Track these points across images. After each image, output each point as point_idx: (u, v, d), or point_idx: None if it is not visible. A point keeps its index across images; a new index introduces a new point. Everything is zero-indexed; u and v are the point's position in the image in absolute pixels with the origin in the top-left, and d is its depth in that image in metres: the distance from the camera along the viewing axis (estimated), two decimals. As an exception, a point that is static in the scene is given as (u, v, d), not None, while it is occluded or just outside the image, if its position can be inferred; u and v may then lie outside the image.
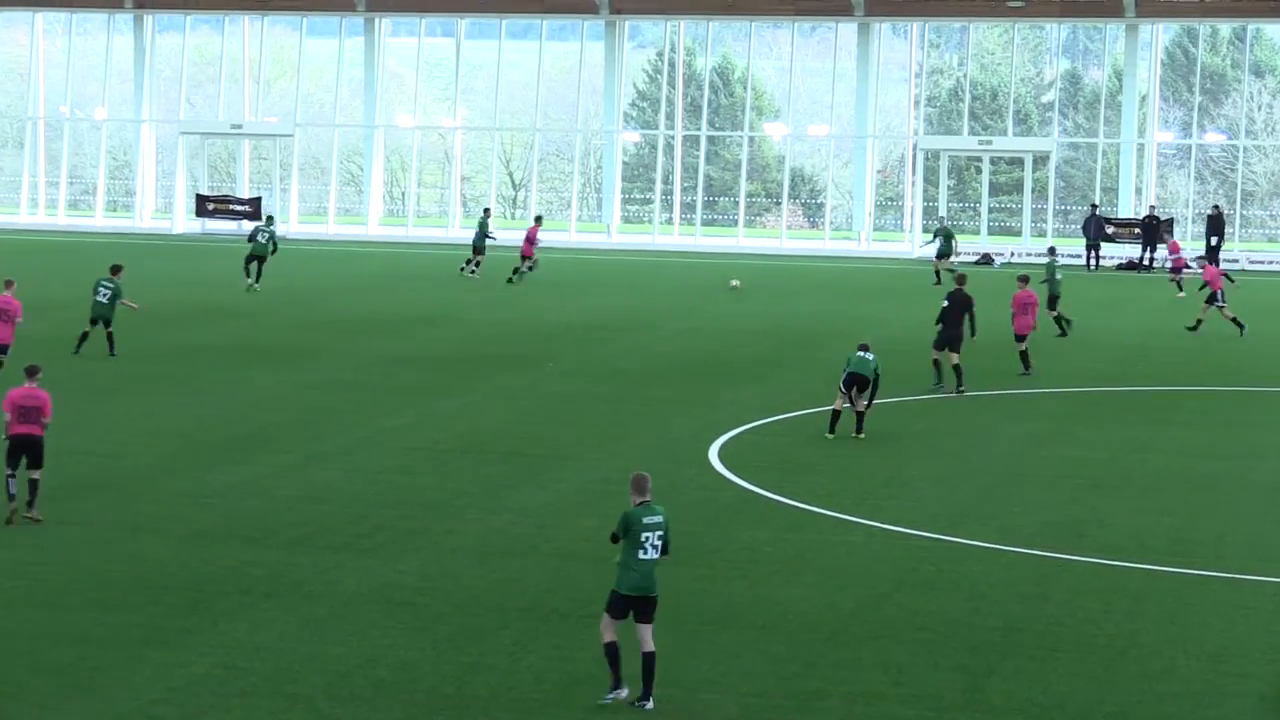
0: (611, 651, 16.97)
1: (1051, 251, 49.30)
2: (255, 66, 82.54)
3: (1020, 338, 39.08)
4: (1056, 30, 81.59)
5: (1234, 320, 46.29)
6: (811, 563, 22.70)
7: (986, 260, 69.19)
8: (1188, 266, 58.75)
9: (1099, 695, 17.70)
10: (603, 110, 79.95)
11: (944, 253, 60.38)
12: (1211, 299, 46.68)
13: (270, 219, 59.15)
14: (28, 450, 23.52)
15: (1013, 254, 70.25)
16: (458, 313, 49.19)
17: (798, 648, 18.95)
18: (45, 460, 23.74)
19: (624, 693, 16.95)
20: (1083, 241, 70.13)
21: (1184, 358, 43.04)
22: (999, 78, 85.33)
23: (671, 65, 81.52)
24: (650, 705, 16.86)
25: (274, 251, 53.72)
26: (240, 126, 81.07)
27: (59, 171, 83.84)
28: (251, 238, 54.51)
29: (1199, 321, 46.76)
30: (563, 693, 17.29)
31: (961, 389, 35.89)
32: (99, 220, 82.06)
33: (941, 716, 17.07)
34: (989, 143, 77.71)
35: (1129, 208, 73.27)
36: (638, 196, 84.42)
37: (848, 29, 77.30)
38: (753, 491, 26.85)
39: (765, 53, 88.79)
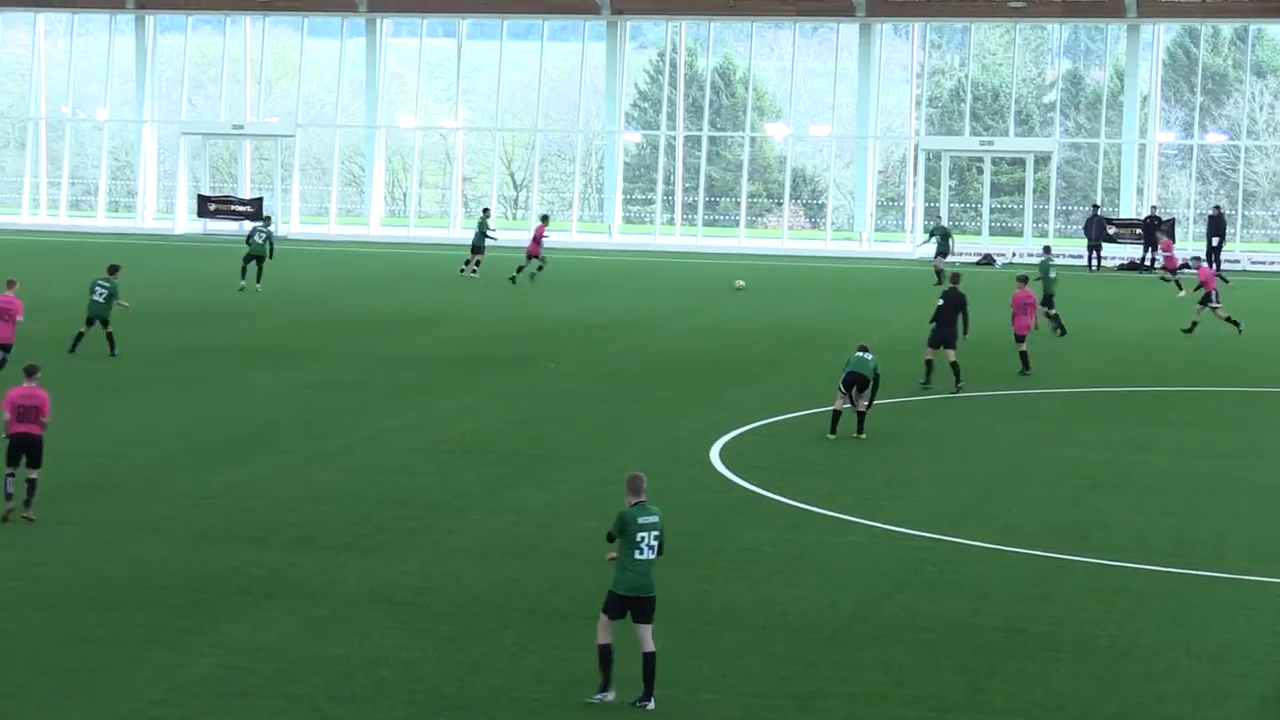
0: (604, 654, 16.97)
1: (1046, 251, 49.44)
2: (257, 67, 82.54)
3: (1020, 338, 39.10)
4: (1058, 31, 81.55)
5: (1228, 320, 46.29)
6: (812, 563, 22.69)
7: (988, 261, 69.19)
8: (1186, 266, 58.71)
9: (1101, 696, 17.69)
10: (604, 111, 79.94)
11: (942, 251, 60.43)
12: (1206, 300, 46.69)
13: (268, 219, 59.12)
14: (27, 450, 23.53)
15: (1014, 254, 70.20)
16: (459, 313, 49.19)
17: (799, 648, 18.94)
18: (45, 460, 23.75)
19: (610, 696, 16.96)
20: (1084, 242, 70.13)
21: (1185, 358, 43.02)
22: (1000, 78, 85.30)
23: (673, 66, 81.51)
24: (652, 705, 16.85)
25: (270, 254, 53.63)
26: (242, 127, 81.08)
27: (60, 172, 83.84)
28: (248, 238, 54.47)
29: (1194, 324, 46.76)
30: (564, 693, 17.28)
31: (960, 385, 35.94)
32: (100, 221, 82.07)
33: (943, 717, 17.06)
34: (990, 143, 77.67)
35: (1130, 208, 73.24)
36: (639, 197, 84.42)
37: (849, 29, 77.26)
38: (754, 492, 26.84)
39: (767, 53, 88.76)
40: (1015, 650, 19.11)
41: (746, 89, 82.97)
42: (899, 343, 40.48)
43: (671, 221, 79.41)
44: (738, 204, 79.72)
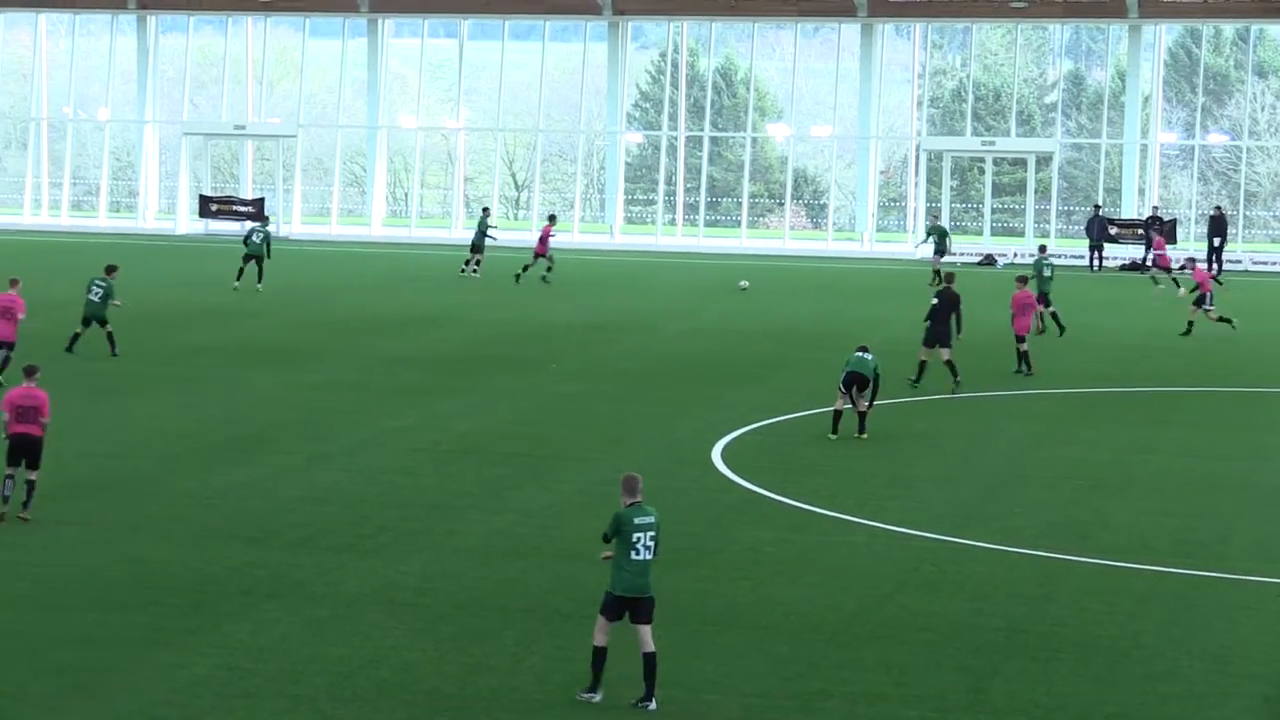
0: (598, 655, 16.99)
1: (1041, 250, 49.53)
2: (258, 67, 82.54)
3: (1020, 338, 39.12)
4: (1059, 31, 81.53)
5: (1221, 319, 46.29)
6: (814, 563, 22.69)
7: (989, 261, 69.20)
8: (1184, 268, 58.68)
9: (1102, 696, 17.69)
10: (606, 111, 79.95)
11: (939, 251, 60.48)
12: (1200, 301, 46.73)
13: (265, 219, 59.06)
14: (26, 450, 23.52)
15: (1015, 255, 70.19)
16: (460, 313, 49.18)
17: (800, 648, 18.94)
18: (44, 461, 23.74)
19: (597, 697, 16.98)
20: (1086, 242, 70.12)
21: (1186, 358, 43.01)
22: (1002, 78, 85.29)
23: (674, 66, 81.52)
24: (653, 706, 16.86)
25: (268, 253, 53.59)
26: (243, 127, 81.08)
27: (62, 172, 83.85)
28: (246, 239, 54.45)
29: (1190, 324, 46.77)
30: (565, 693, 17.27)
31: (957, 382, 36.02)
32: (102, 221, 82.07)
33: (944, 717, 17.06)
34: (992, 143, 77.65)
35: (1132, 209, 73.21)
36: (640, 197, 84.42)
37: (850, 30, 77.23)
38: (755, 492, 26.84)
39: (768, 53, 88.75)
40: (1017, 651, 19.11)
41: (748, 89, 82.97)
42: (900, 343, 40.45)
43: (673, 222, 79.41)
44: (739, 204, 79.72)
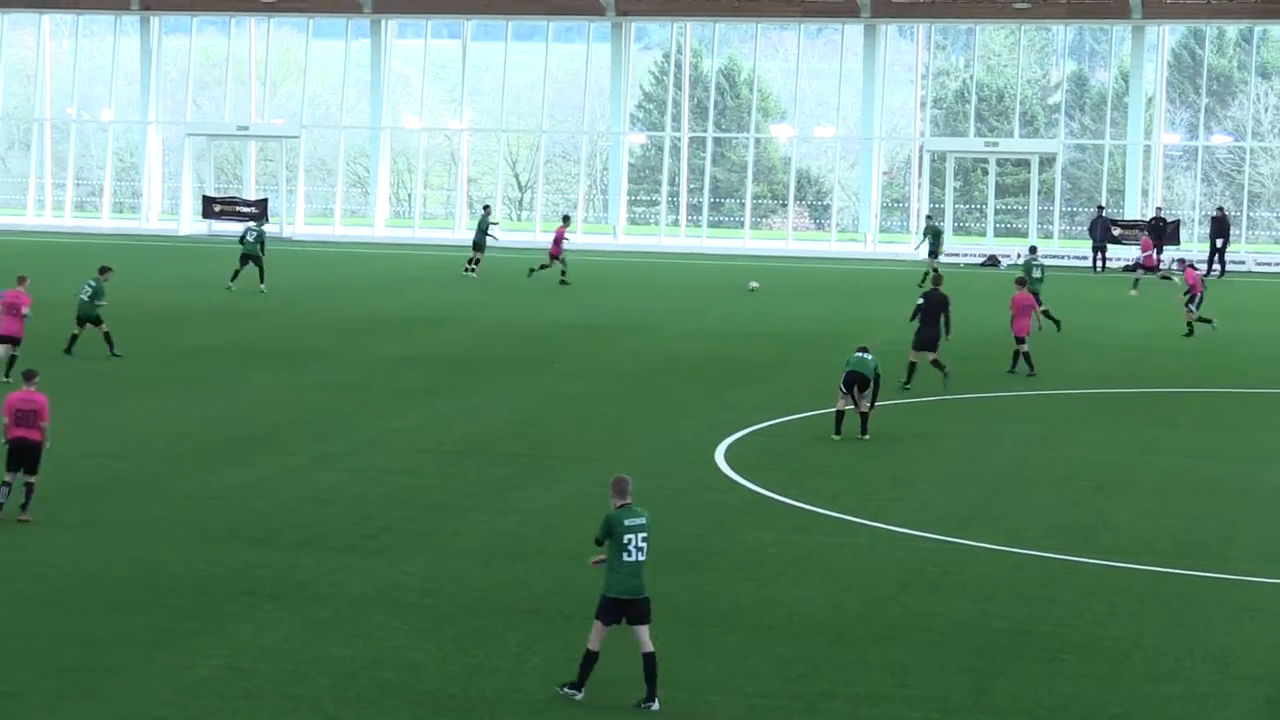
0: (588, 658, 16.97)
1: (1032, 251, 49.64)
2: (261, 68, 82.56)
3: (1020, 340, 39.12)
4: (1063, 32, 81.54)
5: (1201, 319, 46.41)
6: (817, 564, 22.69)
7: (993, 262, 69.19)
8: (1190, 268, 58.58)
9: (1105, 697, 17.69)
10: (609, 112, 79.96)
11: (934, 251, 60.53)
12: (1189, 301, 46.82)
13: (260, 219, 58.94)
14: (25, 455, 23.51)
15: (1019, 255, 70.07)
16: (463, 314, 49.18)
17: (804, 649, 18.94)
18: (46, 462, 23.75)
19: (579, 696, 16.98)
20: (1089, 243, 70.10)
21: (1188, 359, 43.00)
22: (1005, 79, 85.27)
23: (678, 67, 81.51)
24: (656, 706, 16.85)
25: (262, 251, 53.54)
26: (246, 128, 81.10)
27: (65, 173, 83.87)
28: (241, 239, 54.44)
29: (1190, 326, 46.79)
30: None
31: (945, 373, 36.09)
32: (105, 222, 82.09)
33: (948, 718, 17.06)
34: (995, 144, 77.65)
35: (1135, 209, 73.18)
36: (644, 198, 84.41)
37: (854, 31, 77.22)
38: (758, 493, 26.83)
39: (771, 54, 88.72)
40: (1020, 651, 19.11)
41: (751, 90, 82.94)
42: (903, 344, 40.36)
43: (676, 223, 79.40)
44: (742, 205, 79.71)
